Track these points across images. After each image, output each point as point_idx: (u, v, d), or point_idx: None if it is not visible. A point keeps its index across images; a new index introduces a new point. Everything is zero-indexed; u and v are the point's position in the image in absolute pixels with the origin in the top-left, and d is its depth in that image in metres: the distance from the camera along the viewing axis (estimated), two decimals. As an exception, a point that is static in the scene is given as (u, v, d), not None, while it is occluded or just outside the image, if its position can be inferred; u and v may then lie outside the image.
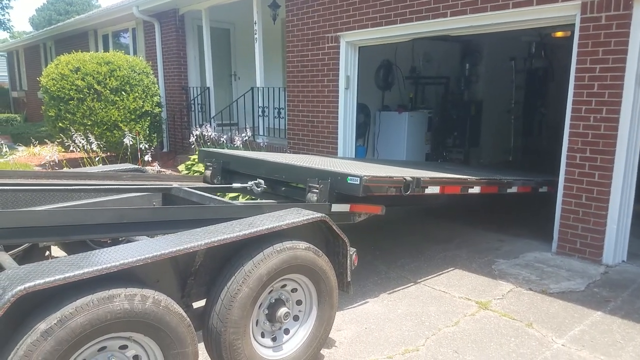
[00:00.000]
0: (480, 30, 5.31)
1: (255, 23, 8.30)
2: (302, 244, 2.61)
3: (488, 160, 9.58)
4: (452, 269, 4.33)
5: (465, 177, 4.39)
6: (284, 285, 2.67)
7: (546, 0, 4.53)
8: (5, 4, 16.49)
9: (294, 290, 2.72)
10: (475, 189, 4.33)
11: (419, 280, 4.05)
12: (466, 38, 8.60)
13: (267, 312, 2.61)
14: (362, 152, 7.91)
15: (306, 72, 7.15)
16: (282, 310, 2.59)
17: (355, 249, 2.92)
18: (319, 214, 2.75)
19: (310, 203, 3.33)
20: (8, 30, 18.50)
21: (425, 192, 3.74)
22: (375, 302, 3.63)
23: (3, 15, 16.57)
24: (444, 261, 4.51)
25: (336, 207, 3.33)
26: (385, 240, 5.09)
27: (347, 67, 6.62)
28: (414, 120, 8.21)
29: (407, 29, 5.79)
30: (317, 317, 2.76)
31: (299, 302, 2.76)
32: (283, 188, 3.87)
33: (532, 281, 4.04)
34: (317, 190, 3.36)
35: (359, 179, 3.22)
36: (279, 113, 7.90)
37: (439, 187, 3.91)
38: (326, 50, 6.78)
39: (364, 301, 3.64)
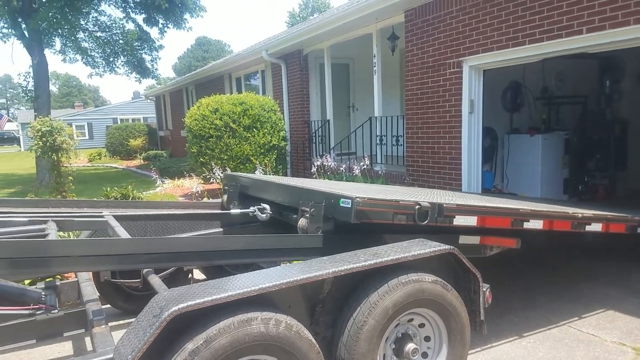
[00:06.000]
0: (623, 45, 4.78)
1: (375, 56, 8.46)
2: (429, 277, 2.52)
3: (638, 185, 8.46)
4: (601, 310, 3.84)
5: (517, 207, 3.41)
6: (411, 320, 2.60)
7: None
8: (155, 56, 18.97)
9: (421, 325, 2.63)
10: (533, 223, 3.31)
11: (562, 322, 3.66)
12: (605, 54, 7.81)
13: (394, 346, 2.55)
14: (490, 178, 7.49)
15: (426, 98, 7.05)
16: (410, 346, 2.52)
17: (488, 285, 2.75)
18: (447, 246, 2.65)
19: (303, 234, 2.91)
20: (155, 79, 21.19)
21: (454, 223, 2.95)
22: (512, 344, 3.34)
23: (152, 65, 19.09)
24: (590, 300, 4.03)
25: (464, 239, 3.17)
26: (519, 277, 4.71)
27: (471, 91, 6.40)
28: (549, 142, 7.57)
29: (537, 50, 5.44)
30: (448, 355, 2.62)
31: (427, 339, 2.65)
32: (294, 215, 3.29)
33: None
34: (308, 215, 2.92)
35: (350, 201, 2.68)
36: (397, 141, 7.87)
37: (475, 218, 3.02)
38: (447, 76, 6.64)
39: (499, 342, 3.37)
